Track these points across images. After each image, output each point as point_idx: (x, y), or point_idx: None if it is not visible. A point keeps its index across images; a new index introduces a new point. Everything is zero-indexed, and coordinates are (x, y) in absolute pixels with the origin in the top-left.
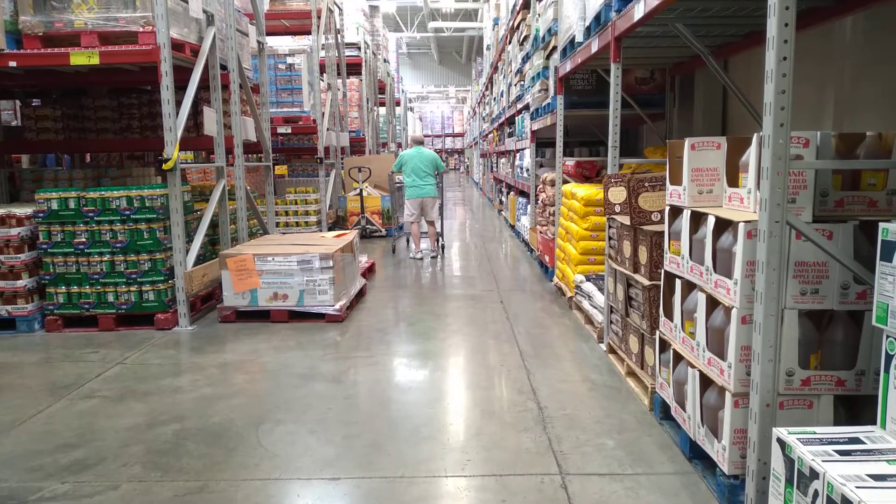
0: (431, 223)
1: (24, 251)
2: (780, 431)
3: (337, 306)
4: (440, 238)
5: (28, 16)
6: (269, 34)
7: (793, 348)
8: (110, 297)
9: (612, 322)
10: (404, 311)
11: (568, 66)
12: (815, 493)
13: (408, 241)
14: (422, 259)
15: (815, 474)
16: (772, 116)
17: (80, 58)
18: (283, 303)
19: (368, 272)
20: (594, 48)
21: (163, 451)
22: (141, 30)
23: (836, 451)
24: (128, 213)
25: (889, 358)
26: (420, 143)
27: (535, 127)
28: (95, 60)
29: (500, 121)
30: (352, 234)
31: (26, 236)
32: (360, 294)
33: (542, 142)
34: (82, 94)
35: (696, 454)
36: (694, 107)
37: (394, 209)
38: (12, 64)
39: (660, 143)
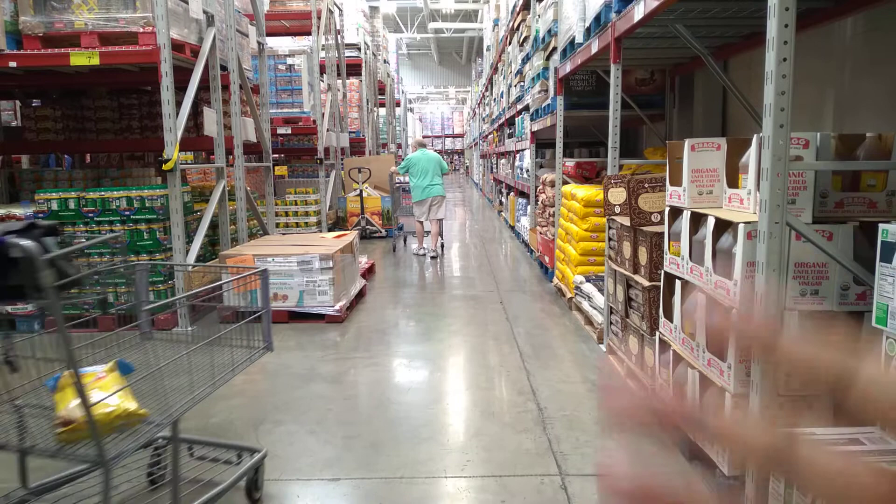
0: (438, 221)
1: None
2: None
3: (337, 307)
4: (441, 238)
5: (28, 16)
6: (269, 35)
7: None
8: (110, 298)
9: (611, 323)
10: (404, 311)
11: (568, 67)
12: None
13: (405, 240)
14: (424, 256)
15: None
16: (771, 117)
17: (81, 58)
18: (283, 303)
19: (368, 273)
20: (594, 49)
21: (162, 452)
22: (141, 30)
23: None
24: (128, 213)
25: (888, 360)
26: (423, 146)
27: (535, 128)
28: (95, 61)
29: (500, 121)
30: (352, 235)
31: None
32: (360, 295)
33: (542, 142)
34: (82, 94)
35: (696, 455)
36: (694, 108)
37: (393, 209)
38: (12, 64)
39: (660, 144)
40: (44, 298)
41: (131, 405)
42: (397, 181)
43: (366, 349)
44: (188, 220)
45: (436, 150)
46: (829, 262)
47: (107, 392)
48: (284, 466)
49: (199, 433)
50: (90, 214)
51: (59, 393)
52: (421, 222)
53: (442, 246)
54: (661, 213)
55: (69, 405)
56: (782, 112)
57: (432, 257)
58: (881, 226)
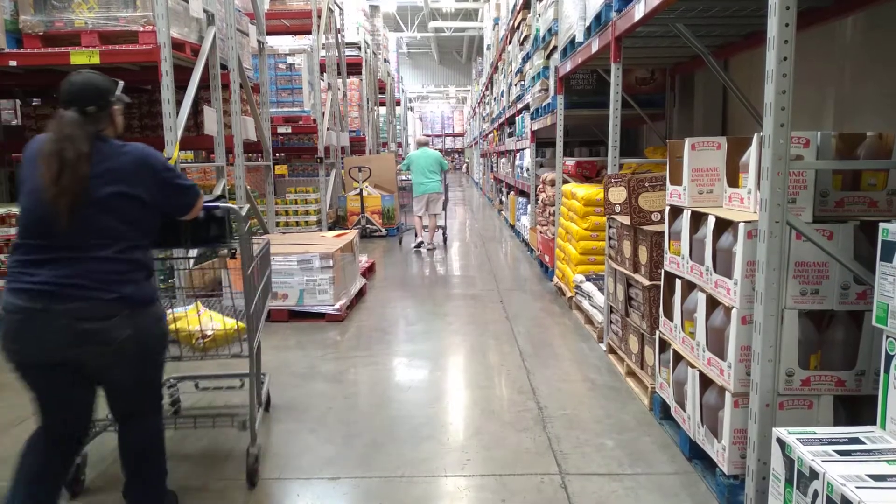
0: (434, 216)
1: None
2: (779, 431)
3: (337, 306)
4: (444, 230)
5: (28, 15)
6: (269, 34)
7: (793, 348)
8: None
9: (611, 322)
10: (404, 310)
11: (568, 66)
12: (815, 494)
13: (415, 234)
14: (426, 249)
15: (814, 474)
16: (772, 116)
17: (81, 57)
18: (283, 302)
19: (368, 272)
20: (594, 48)
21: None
22: (141, 29)
23: (836, 452)
24: None
25: (889, 358)
26: (424, 144)
27: (535, 127)
28: (96, 60)
29: (501, 121)
30: (352, 234)
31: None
32: (360, 294)
33: (542, 142)
34: None
35: (696, 454)
36: (694, 107)
37: (397, 206)
38: (12, 63)
39: (660, 144)
40: (234, 241)
41: (238, 324)
42: (405, 178)
43: (366, 348)
44: None
45: (436, 149)
46: (829, 262)
47: (214, 318)
48: (284, 465)
49: (201, 429)
50: None
51: (178, 322)
52: (420, 217)
53: (445, 238)
54: (662, 212)
55: (202, 325)
56: (783, 111)
57: (429, 249)
58: (881, 225)
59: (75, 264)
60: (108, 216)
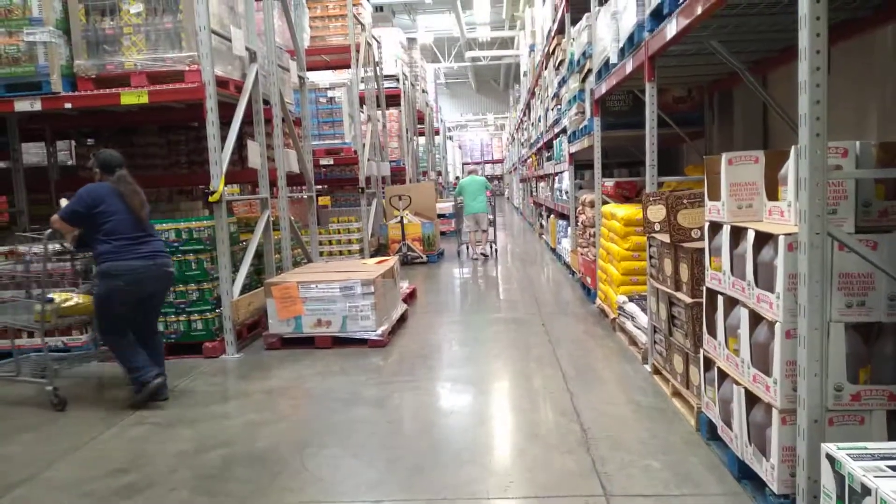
0: (485, 232)
1: (79, 284)
2: (828, 447)
3: (379, 331)
4: (493, 243)
5: (82, 59)
6: (309, 69)
7: (840, 362)
8: (160, 327)
9: (655, 342)
10: (445, 335)
11: (603, 88)
12: None
13: (468, 246)
14: (477, 259)
15: (866, 490)
16: (807, 127)
17: (131, 97)
18: (327, 329)
19: (410, 297)
20: (628, 69)
21: (210, 476)
22: (187, 69)
23: (889, 467)
24: (176, 244)
25: None
26: (472, 172)
27: (573, 149)
28: (144, 99)
29: (539, 145)
30: (392, 261)
31: (81, 270)
32: (402, 319)
33: (581, 164)
34: (133, 132)
35: (745, 474)
36: (734, 123)
37: (458, 223)
38: (67, 105)
39: (700, 162)
40: None
41: None
42: (458, 202)
43: (408, 373)
44: (234, 251)
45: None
46: (875, 272)
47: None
48: (329, 489)
49: (245, 458)
50: None
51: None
52: (473, 233)
53: (496, 250)
54: (701, 228)
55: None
56: (818, 121)
57: (484, 256)
58: None
59: (154, 242)
60: (149, 218)
